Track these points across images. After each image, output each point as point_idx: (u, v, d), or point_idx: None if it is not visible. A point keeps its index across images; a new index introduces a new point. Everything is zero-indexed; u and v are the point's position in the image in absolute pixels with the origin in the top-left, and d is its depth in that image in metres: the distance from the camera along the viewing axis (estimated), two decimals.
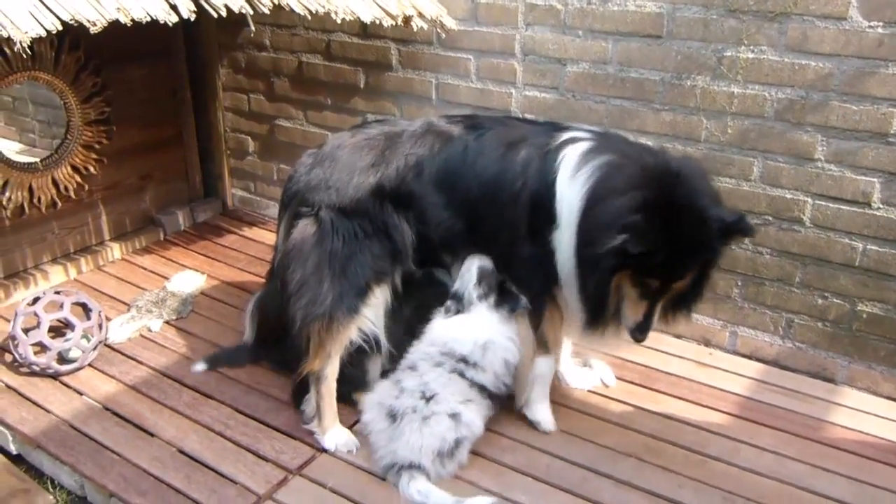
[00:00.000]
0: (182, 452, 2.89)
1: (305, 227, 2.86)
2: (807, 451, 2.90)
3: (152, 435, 2.99)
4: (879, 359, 3.20)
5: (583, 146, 2.62)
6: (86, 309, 3.40)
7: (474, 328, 2.82)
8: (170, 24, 2.70)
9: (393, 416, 2.71)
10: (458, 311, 2.87)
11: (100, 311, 3.43)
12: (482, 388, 2.78)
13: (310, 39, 4.28)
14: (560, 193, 2.58)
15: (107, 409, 3.13)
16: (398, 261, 2.91)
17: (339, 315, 2.81)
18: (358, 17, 3.22)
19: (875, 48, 2.83)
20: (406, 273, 2.98)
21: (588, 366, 3.32)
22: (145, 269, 4.30)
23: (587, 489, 2.71)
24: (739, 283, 3.42)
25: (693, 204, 2.39)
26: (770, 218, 3.24)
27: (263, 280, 3.58)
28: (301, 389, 3.06)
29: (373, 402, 2.83)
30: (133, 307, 3.79)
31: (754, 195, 3.24)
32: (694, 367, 3.44)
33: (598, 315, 2.55)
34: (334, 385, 2.94)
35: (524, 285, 2.85)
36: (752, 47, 3.06)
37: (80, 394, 3.21)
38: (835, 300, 3.22)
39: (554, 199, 2.59)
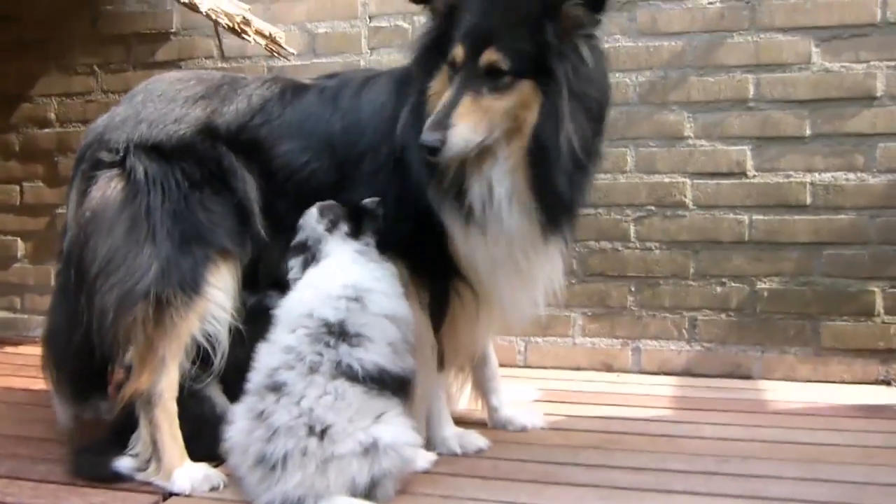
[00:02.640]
0: None
1: (108, 184, 2.10)
2: (772, 419, 2.54)
3: None
4: (790, 339, 3.00)
5: None
6: None
7: (333, 274, 2.01)
8: None
9: (269, 464, 1.81)
10: (309, 261, 2.07)
11: None
12: (380, 377, 1.91)
13: (109, 104, 3.65)
14: None
15: None
16: (247, 225, 2.17)
17: (169, 293, 2.02)
18: (195, 4, 2.79)
19: (718, 21, 3.01)
20: (255, 257, 2.21)
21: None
22: None
23: (560, 476, 2.04)
24: (633, 289, 3.14)
25: None
26: (653, 208, 3.10)
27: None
28: (118, 432, 2.11)
29: (232, 441, 1.93)
30: None
31: (633, 186, 3.11)
32: (607, 385, 2.99)
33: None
34: (174, 406, 2.06)
35: (409, 250, 2.15)
36: (606, 38, 3.10)
37: None
38: (733, 284, 3.05)
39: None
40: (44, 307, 3.80)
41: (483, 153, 1.92)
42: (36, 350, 3.56)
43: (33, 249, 3.86)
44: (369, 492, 1.82)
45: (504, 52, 1.83)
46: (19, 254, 3.88)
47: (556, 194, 1.92)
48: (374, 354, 1.92)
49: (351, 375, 1.88)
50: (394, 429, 1.88)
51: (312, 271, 2.06)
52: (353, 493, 1.80)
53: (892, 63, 2.86)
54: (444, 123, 1.80)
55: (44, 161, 3.82)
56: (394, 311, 2.00)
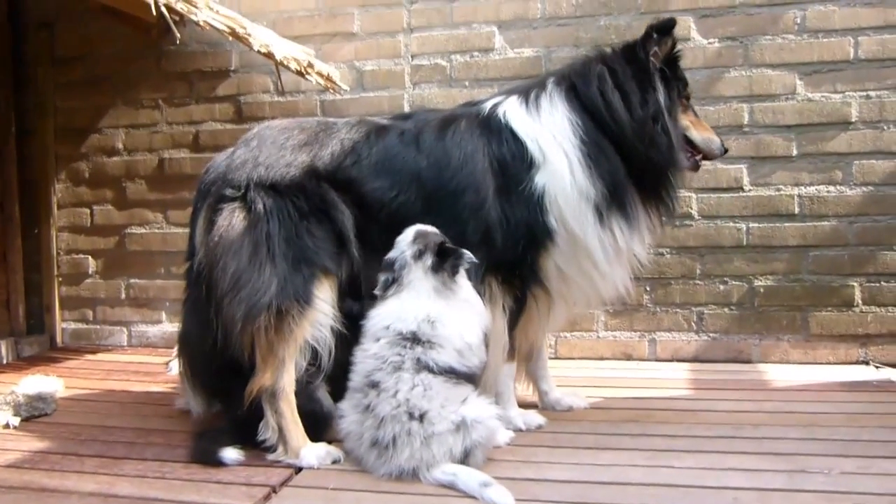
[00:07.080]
0: (116, 497, 2.19)
1: (232, 214, 2.52)
2: (773, 395, 3.06)
3: (66, 493, 2.24)
4: (783, 328, 3.53)
5: (513, 99, 2.71)
6: None
7: (413, 305, 2.40)
8: None
9: (382, 445, 2.27)
10: (392, 282, 2.45)
11: None
12: (451, 372, 2.33)
13: (174, 135, 4.12)
14: (527, 133, 2.62)
15: None
16: (344, 248, 2.60)
17: (287, 304, 2.44)
18: (270, 49, 3.23)
19: (717, 58, 3.52)
20: (352, 275, 2.65)
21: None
22: None
23: (610, 444, 2.52)
24: (648, 289, 3.65)
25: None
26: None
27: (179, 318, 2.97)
28: (246, 422, 2.53)
29: (346, 430, 2.39)
30: None
31: None
32: (629, 371, 3.50)
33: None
34: (293, 398, 2.49)
35: (502, 261, 2.61)
36: None
37: None
38: (734, 282, 3.56)
39: (522, 143, 2.61)
40: (114, 318, 4.26)
41: None
42: (115, 357, 4.03)
43: (104, 266, 4.27)
44: (464, 459, 2.28)
45: None
46: (90, 270, 4.29)
47: None
48: (444, 356, 2.35)
49: (430, 369, 2.32)
50: (477, 407, 2.33)
51: (393, 301, 2.44)
52: (452, 461, 2.27)
53: (864, 93, 3.40)
54: None
55: (112, 186, 4.23)
56: (460, 328, 2.39)
